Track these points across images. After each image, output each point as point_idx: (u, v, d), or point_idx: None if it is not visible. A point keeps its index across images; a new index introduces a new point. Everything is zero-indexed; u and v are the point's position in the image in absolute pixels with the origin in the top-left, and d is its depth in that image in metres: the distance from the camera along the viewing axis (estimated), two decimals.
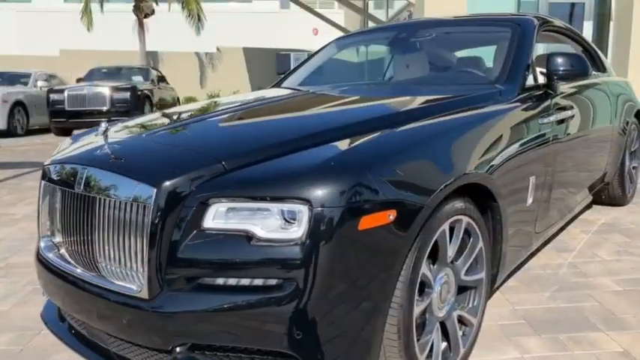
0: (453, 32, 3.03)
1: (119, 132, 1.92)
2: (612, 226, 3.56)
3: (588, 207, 4.00)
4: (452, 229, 1.80)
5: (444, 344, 1.83)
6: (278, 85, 3.22)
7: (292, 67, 3.46)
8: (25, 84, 12.14)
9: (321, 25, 17.91)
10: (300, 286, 1.38)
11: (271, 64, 19.76)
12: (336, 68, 3.20)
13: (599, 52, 3.83)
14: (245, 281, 1.43)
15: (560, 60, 2.50)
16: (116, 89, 10.46)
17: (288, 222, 1.42)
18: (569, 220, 3.56)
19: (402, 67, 3.06)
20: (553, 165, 2.47)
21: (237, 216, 1.44)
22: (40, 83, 12.12)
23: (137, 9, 16.56)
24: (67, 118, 10.26)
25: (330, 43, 3.45)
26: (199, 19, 17.28)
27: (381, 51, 3.13)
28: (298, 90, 2.81)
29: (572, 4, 9.96)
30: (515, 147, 2.08)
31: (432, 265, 1.75)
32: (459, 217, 1.79)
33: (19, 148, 9.06)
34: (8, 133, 10.77)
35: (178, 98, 14.38)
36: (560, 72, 2.50)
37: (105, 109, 10.29)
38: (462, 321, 1.92)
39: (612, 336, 2.10)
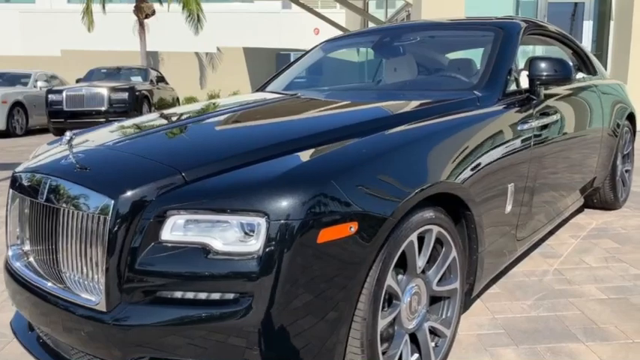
0: (437, 36, 3.00)
1: (86, 140, 1.90)
2: (603, 231, 3.51)
3: (580, 211, 3.96)
4: (422, 239, 1.77)
5: (415, 356, 1.80)
6: (262, 88, 3.20)
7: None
8: (25, 84, 12.16)
9: (323, 24, 17.88)
10: (258, 300, 1.35)
11: (272, 64, 19.77)
12: (321, 71, 3.17)
13: (589, 54, 3.79)
14: (203, 295, 1.41)
15: (542, 65, 2.46)
16: (114, 90, 10.47)
17: (247, 234, 1.39)
18: (559, 223, 3.54)
19: (385, 72, 3.03)
20: (535, 171, 2.44)
21: (196, 228, 1.42)
22: (39, 84, 12.14)
23: (138, 9, 16.57)
24: (65, 119, 10.27)
25: (316, 45, 3.42)
26: (199, 19, 17.27)
27: (366, 55, 3.09)
28: (280, 94, 2.78)
29: (572, 4, 9.90)
30: (491, 154, 2.05)
31: (401, 276, 1.73)
32: (429, 226, 1.76)
33: (17, 148, 9.07)
34: (7, 133, 10.79)
35: (178, 98, 14.39)
36: (543, 77, 2.46)
37: (103, 109, 10.30)
38: (434, 332, 1.89)
39: (592, 347, 2.06)
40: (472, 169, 1.91)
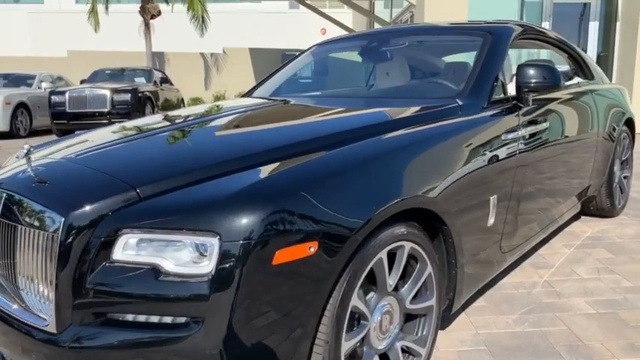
0: (425, 41, 2.93)
1: (50, 152, 1.85)
2: (598, 240, 3.42)
3: (576, 218, 3.87)
4: (394, 255, 1.71)
5: None
6: (250, 93, 3.14)
7: None
8: (30, 86, 12.21)
9: (329, 24, 17.79)
10: (210, 324, 1.30)
11: (278, 64, 19.75)
12: (310, 76, 3.11)
13: (587, 58, 3.70)
14: (155, 318, 1.36)
15: (530, 71, 2.39)
16: (117, 91, 10.47)
17: (202, 255, 1.34)
18: (553, 231, 3.46)
19: (370, 78, 2.96)
20: (522, 181, 2.36)
21: (148, 248, 1.37)
22: (44, 85, 12.18)
23: (143, 10, 16.60)
24: (68, 120, 10.29)
25: (307, 49, 3.36)
26: (203, 20, 17.27)
27: (353, 60, 3.03)
28: (262, 100, 2.73)
29: (578, 5, 9.75)
30: (470, 166, 1.98)
31: (372, 294, 1.67)
32: (401, 243, 1.69)
33: (19, 149, 9.09)
34: (11, 134, 10.83)
35: (183, 99, 14.40)
36: (532, 84, 2.39)
37: (106, 110, 10.31)
38: (409, 351, 1.83)
39: None
40: (448, 182, 1.84)
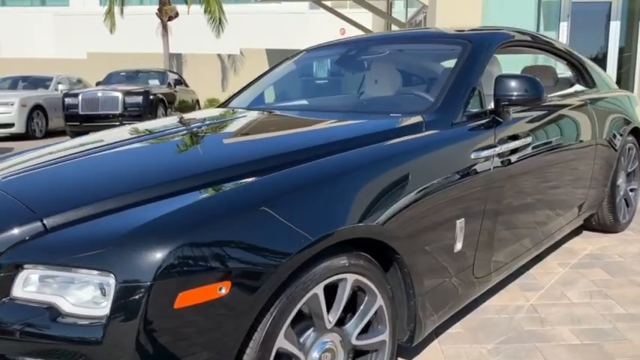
0: (405, 50, 2.77)
1: None
2: (596, 259, 3.21)
3: (577, 233, 3.66)
4: (335, 287, 1.57)
5: None
6: (226, 103, 3.02)
7: None
8: (48, 87, 12.38)
9: (349, 24, 17.61)
10: None
11: None
12: (290, 84, 2.99)
13: (588, 65, 3.48)
14: None
15: (509, 84, 2.22)
16: (129, 93, 10.53)
17: (103, 295, 1.23)
18: (551, 248, 3.27)
19: (342, 88, 2.82)
20: (498, 202, 2.20)
21: (51, 285, 1.27)
22: (61, 87, 12.33)
23: (161, 12, 16.71)
24: (81, 122, 10.39)
25: (290, 57, 3.24)
26: (220, 21, 17.30)
27: (331, 69, 2.89)
28: (227, 112, 2.61)
29: (599, 3, 9.38)
30: (430, 188, 1.82)
31: (310, 332, 1.53)
32: (343, 275, 1.56)
33: None
34: (27, 136, 10.99)
35: (198, 101, 14.43)
36: (513, 97, 2.22)
37: (117, 112, 10.37)
38: None
39: None
40: (400, 207, 1.70)
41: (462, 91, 2.20)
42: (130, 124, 2.35)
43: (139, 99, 10.52)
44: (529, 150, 2.40)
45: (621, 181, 3.61)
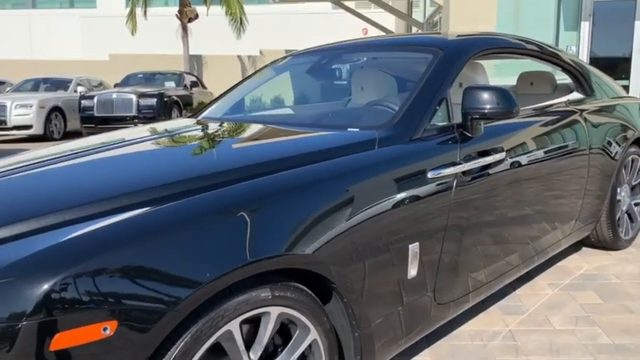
0: (380, 58, 2.63)
1: None
2: (590, 279, 3.01)
3: (576, 249, 3.45)
4: (257, 321, 1.46)
5: None
6: (197, 114, 2.93)
7: None
8: (68, 89, 12.58)
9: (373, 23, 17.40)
10: None
11: None
12: (265, 92, 2.88)
13: (586, 72, 3.27)
14: None
15: (478, 96, 2.06)
16: (143, 95, 10.60)
17: None
18: (543, 265, 3.08)
19: (310, 98, 2.70)
20: (464, 223, 2.04)
21: None
22: (80, 89, 12.51)
23: (181, 14, 16.84)
24: (96, 124, 10.50)
25: (266, 65, 3.13)
26: (241, 22, 17.33)
27: (302, 77, 2.78)
28: (199, 123, 2.52)
29: (623, 1, 8.99)
30: (377, 211, 1.69)
31: None
32: (264, 309, 1.44)
33: None
34: (45, 137, 11.18)
35: None
36: (481, 110, 2.06)
37: (132, 114, 10.45)
38: None
39: None
40: (338, 233, 1.57)
41: (426, 103, 2.05)
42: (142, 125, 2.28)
43: (153, 101, 10.58)
44: (504, 166, 2.23)
45: (624, 194, 3.39)
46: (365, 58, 2.63)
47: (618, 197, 3.30)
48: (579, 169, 2.81)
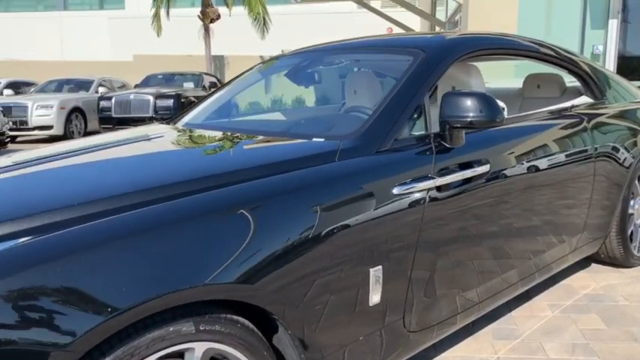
0: (362, 60, 2.45)
1: None
2: (595, 300, 2.76)
3: (584, 266, 3.20)
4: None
5: None
6: (176, 119, 2.79)
7: None
8: (89, 90, 12.73)
9: (397, 23, 17.11)
10: None
11: None
12: (241, 98, 2.73)
13: (594, 74, 3.02)
14: None
15: (458, 103, 1.87)
16: (160, 96, 10.61)
17: None
18: (545, 283, 2.86)
19: (288, 103, 2.53)
20: (437, 243, 1.86)
21: None
22: (101, 89, 12.63)
23: (203, 14, 16.89)
24: (114, 125, 10.54)
25: (251, 68, 2.98)
26: (264, 22, 17.30)
27: (281, 82, 2.62)
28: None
29: None
30: (329, 232, 1.52)
31: None
32: (188, 345, 1.29)
33: None
34: (65, 138, 11.32)
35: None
36: (461, 119, 1.86)
37: (149, 115, 10.46)
38: None
39: None
40: (280, 259, 1.41)
41: (398, 111, 1.87)
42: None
43: (170, 102, 10.58)
44: (488, 179, 2.03)
45: (637, 207, 3.12)
46: (346, 61, 2.46)
47: (631, 210, 3.04)
48: (582, 180, 2.58)
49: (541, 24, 8.50)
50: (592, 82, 2.97)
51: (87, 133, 12.06)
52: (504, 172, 2.11)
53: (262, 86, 2.63)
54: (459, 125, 1.88)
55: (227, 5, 17.54)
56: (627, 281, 3.00)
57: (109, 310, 1.13)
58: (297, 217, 1.47)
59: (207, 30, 17.09)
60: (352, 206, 1.60)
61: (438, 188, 1.83)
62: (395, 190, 1.70)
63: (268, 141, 1.87)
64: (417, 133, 1.93)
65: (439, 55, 2.08)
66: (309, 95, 2.45)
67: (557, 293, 2.87)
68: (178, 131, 2.26)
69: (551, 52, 2.75)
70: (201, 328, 1.30)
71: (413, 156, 1.82)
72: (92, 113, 11.98)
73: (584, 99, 2.98)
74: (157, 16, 17.29)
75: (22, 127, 10.85)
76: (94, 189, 1.42)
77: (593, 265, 3.23)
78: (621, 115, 3.01)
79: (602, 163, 2.71)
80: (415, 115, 1.93)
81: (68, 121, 11.39)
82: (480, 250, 2.06)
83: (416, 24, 18.53)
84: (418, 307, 1.86)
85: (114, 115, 10.57)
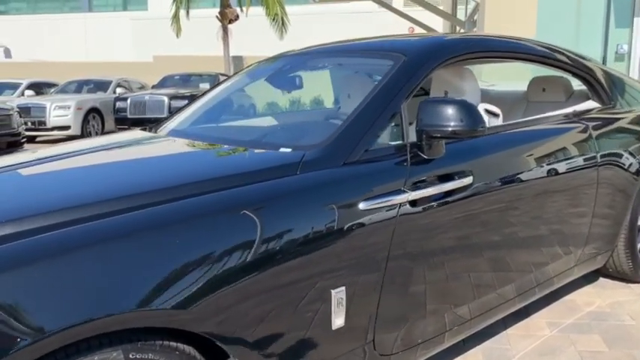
0: (344, 64, 2.32)
1: None
2: (599, 319, 2.59)
3: (590, 280, 3.01)
4: None
5: None
6: (157, 126, 2.68)
7: None
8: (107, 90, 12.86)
9: (418, 23, 16.87)
10: None
11: None
12: (223, 103, 2.63)
13: (602, 77, 2.83)
14: None
15: (437, 111, 1.73)
16: (175, 97, 10.63)
17: None
18: (545, 299, 2.69)
19: (267, 109, 2.42)
20: (410, 260, 1.73)
21: None
22: (118, 90, 12.74)
23: (222, 15, 16.93)
24: (129, 126, 10.61)
25: (237, 72, 2.88)
26: (283, 22, 17.25)
27: (262, 87, 2.51)
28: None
29: None
30: (284, 250, 1.41)
31: None
32: None
33: None
34: (82, 138, 11.45)
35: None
36: (440, 128, 1.73)
37: (164, 116, 10.48)
38: None
39: None
40: (224, 281, 1.30)
41: (370, 120, 1.75)
42: None
43: (184, 103, 10.57)
44: (471, 192, 1.89)
45: None
46: (328, 66, 2.34)
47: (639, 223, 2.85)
48: (583, 190, 2.41)
49: (561, 22, 8.22)
50: (599, 85, 2.79)
51: (104, 134, 12.19)
52: (490, 183, 1.97)
53: (246, 91, 2.53)
54: (438, 135, 1.75)
55: (240, 6, 17.53)
56: (635, 298, 2.81)
57: (18, 340, 1.04)
58: (244, 235, 1.37)
59: (225, 31, 17.12)
60: (310, 223, 1.48)
61: (413, 203, 1.70)
62: (361, 206, 1.58)
63: (232, 152, 1.77)
64: (392, 143, 1.81)
65: (420, 60, 1.95)
66: (293, 100, 2.34)
67: (558, 310, 2.70)
68: (142, 140, 2.17)
69: (552, 55, 2.58)
70: (130, 357, 1.21)
71: (384, 168, 1.70)
72: (109, 114, 12.08)
73: (591, 103, 2.80)
74: (176, 17, 17.38)
75: (40, 127, 10.99)
76: (24, 205, 1.34)
77: (601, 280, 3.04)
78: (632, 120, 2.82)
79: (607, 172, 2.53)
80: (391, 124, 1.81)
81: (85, 121, 11.51)
82: (466, 264, 1.92)
83: (437, 23, 18.25)
84: (393, 328, 1.73)
85: (129, 116, 10.64)
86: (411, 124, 1.84)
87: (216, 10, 18.63)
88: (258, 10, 17.97)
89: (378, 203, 1.61)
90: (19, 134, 8.44)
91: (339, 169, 1.63)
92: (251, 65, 2.67)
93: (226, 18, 16.90)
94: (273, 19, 17.50)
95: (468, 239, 1.90)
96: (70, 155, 1.95)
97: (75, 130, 11.28)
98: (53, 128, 11.14)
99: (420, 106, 1.77)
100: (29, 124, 10.84)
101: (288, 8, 17.97)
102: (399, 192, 1.66)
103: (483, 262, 2.00)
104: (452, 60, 2.04)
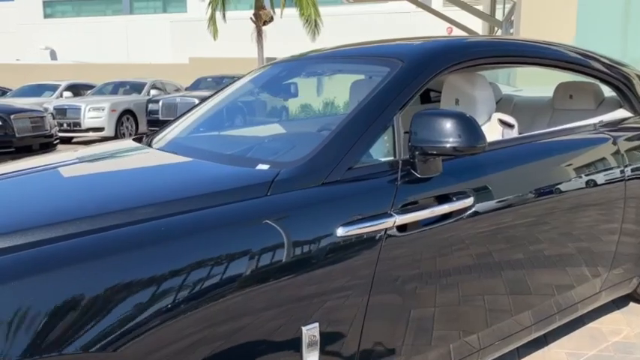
0: (341, 71, 2.16)
1: None
2: (625, 351, 2.34)
3: (619, 305, 2.75)
4: None
5: None
6: (151, 139, 2.55)
7: None
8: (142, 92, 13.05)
9: (459, 22, 16.49)
10: None
11: None
12: (222, 112, 2.52)
13: (634, 82, 2.57)
14: None
15: (432, 126, 1.56)
16: (205, 99, 10.65)
17: None
18: (569, 326, 2.46)
19: (261, 119, 2.28)
20: (400, 291, 1.56)
21: None
22: (153, 92, 12.90)
23: (256, 17, 16.97)
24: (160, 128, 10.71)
25: (236, 79, 2.77)
26: (316, 24, 17.17)
27: (258, 95, 2.37)
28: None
29: None
30: (245, 282, 1.27)
31: None
32: None
33: None
34: (116, 139, 11.64)
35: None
36: (434, 145, 1.56)
37: None
38: None
39: None
40: (169, 320, 1.17)
41: (354, 135, 1.58)
42: None
43: None
44: (473, 213, 1.70)
45: None
46: (323, 73, 2.19)
47: None
48: (608, 209, 2.17)
49: (606, 22, 7.77)
50: (631, 93, 2.53)
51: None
52: (495, 204, 1.77)
53: (241, 100, 2.41)
54: (434, 152, 1.58)
55: (272, 7, 17.51)
56: None
57: None
58: (193, 268, 1.23)
59: (259, 32, 17.15)
60: (281, 251, 1.33)
61: (401, 228, 1.53)
62: (339, 232, 1.42)
63: (203, 169, 1.63)
64: (382, 160, 1.64)
65: (418, 66, 1.77)
66: (280, 111, 2.20)
67: (581, 339, 2.46)
68: (116, 153, 2.08)
69: (578, 59, 2.34)
70: None
71: (370, 188, 1.53)
72: (143, 115, 12.26)
73: (622, 112, 2.55)
74: (212, 19, 17.53)
75: (75, 128, 11.24)
76: None
77: (632, 305, 2.77)
78: None
79: (636, 186, 2.28)
80: (381, 139, 1.64)
81: (119, 123, 11.70)
82: (465, 299, 1.73)
83: (476, 23, 17.78)
84: None
85: (161, 118, 10.74)
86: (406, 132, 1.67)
87: (250, 12, 18.72)
88: (292, 12, 17.94)
89: (359, 229, 1.44)
90: (51, 136, 8.61)
91: (316, 189, 1.47)
92: (248, 73, 2.54)
93: (261, 20, 16.93)
94: (307, 21, 17.42)
95: (467, 270, 1.71)
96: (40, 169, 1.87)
97: (109, 132, 11.48)
98: (88, 129, 11.38)
99: (413, 119, 1.60)
100: (65, 125, 11.11)
101: (322, 9, 17.85)
102: (384, 216, 1.49)
103: (486, 297, 1.80)
104: (457, 66, 1.86)
